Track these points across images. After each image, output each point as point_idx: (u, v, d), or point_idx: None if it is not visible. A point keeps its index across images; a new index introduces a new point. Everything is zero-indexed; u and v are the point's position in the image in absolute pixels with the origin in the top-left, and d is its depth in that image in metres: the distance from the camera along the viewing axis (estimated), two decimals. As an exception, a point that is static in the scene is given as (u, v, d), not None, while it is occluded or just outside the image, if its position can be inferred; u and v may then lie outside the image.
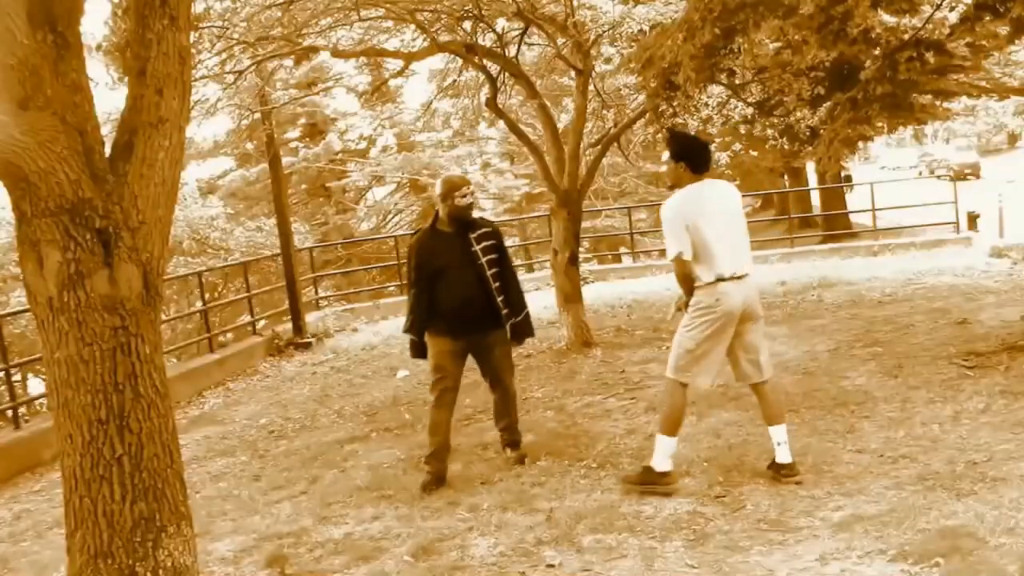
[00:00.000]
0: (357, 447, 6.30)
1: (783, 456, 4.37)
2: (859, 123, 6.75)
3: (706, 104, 9.57)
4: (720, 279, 4.22)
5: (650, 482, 4.38)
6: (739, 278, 4.26)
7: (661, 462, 4.39)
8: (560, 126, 10.51)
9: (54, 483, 6.45)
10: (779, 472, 4.36)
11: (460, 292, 4.82)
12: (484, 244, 4.89)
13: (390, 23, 9.28)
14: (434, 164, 25.09)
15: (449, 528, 4.27)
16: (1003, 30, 6.33)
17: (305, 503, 5.11)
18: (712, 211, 4.26)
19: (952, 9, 6.74)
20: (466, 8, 8.45)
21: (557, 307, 9.17)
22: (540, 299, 12.83)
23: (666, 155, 4.41)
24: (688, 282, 4.33)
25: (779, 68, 7.89)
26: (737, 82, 8.51)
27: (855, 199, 21.80)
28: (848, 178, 22.79)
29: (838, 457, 4.57)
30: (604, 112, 10.64)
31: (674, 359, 4.38)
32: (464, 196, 4.79)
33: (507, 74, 9.32)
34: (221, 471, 6.33)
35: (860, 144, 8.04)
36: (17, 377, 16.39)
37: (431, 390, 5.07)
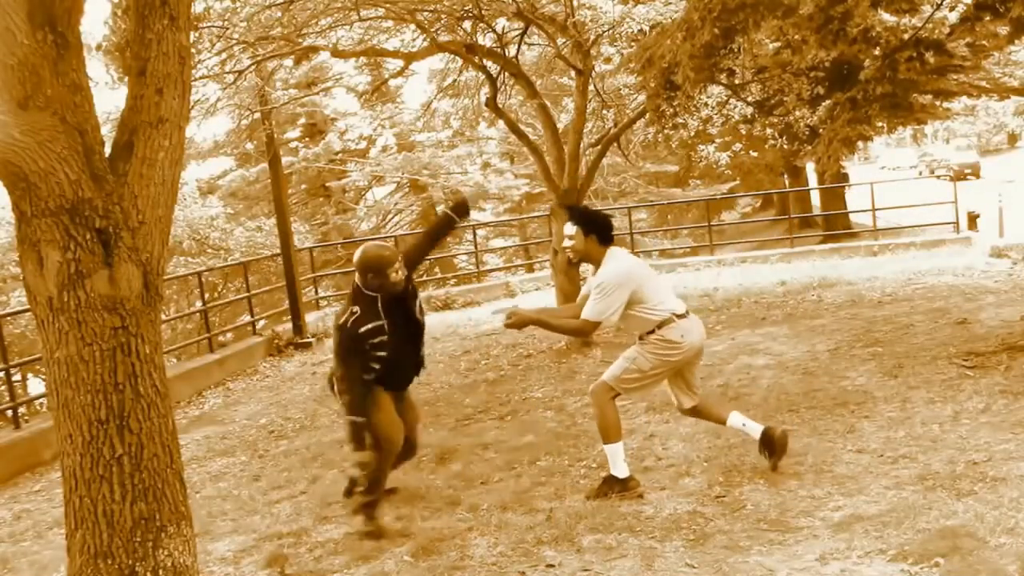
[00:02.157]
0: (357, 447, 6.29)
1: (755, 429, 4.55)
2: (859, 123, 6.74)
3: (706, 104, 9.57)
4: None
5: (617, 491, 4.40)
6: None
7: (621, 469, 4.43)
8: (560, 126, 10.51)
9: (54, 483, 6.45)
10: (770, 445, 4.47)
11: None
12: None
13: (390, 23, 9.28)
14: (434, 164, 25.11)
15: (449, 528, 4.27)
16: (1003, 30, 6.34)
17: (305, 503, 5.11)
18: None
19: (952, 9, 6.74)
20: (466, 8, 8.45)
21: (557, 307, 9.16)
22: (540, 299, 12.83)
23: (574, 228, 4.53)
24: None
25: (779, 68, 7.89)
26: (737, 82, 8.51)
27: (855, 199, 21.79)
28: (845, 176, 22.77)
29: (838, 457, 4.57)
30: (604, 112, 10.64)
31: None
32: (398, 271, 4.30)
33: (507, 74, 9.32)
34: (221, 471, 6.33)
35: (860, 144, 8.03)
36: (17, 377, 16.39)
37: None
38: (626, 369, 4.46)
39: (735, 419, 4.62)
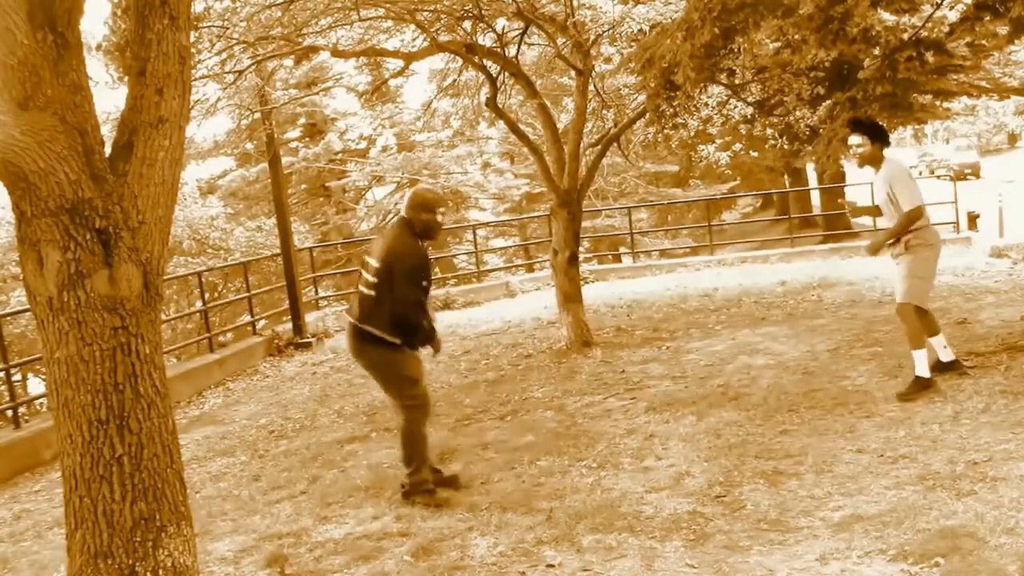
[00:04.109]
0: (357, 447, 6.30)
1: (946, 354, 5.70)
2: (859, 123, 6.74)
3: (706, 104, 9.57)
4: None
5: (923, 387, 5.40)
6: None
7: (924, 371, 5.46)
8: (560, 126, 10.51)
9: (54, 483, 6.45)
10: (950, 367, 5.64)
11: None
12: None
13: (390, 23, 9.27)
14: (434, 164, 25.11)
15: (449, 528, 4.27)
16: (1003, 30, 6.33)
17: (305, 503, 5.11)
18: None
19: (952, 8, 6.74)
20: (466, 8, 8.44)
21: (557, 307, 9.17)
22: (540, 299, 12.84)
23: (860, 138, 5.45)
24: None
25: (779, 68, 7.89)
26: (737, 82, 8.51)
27: (855, 199, 21.78)
28: (842, 175, 22.80)
29: (838, 457, 4.57)
30: (604, 112, 10.63)
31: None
32: (444, 215, 4.62)
33: (507, 74, 9.32)
34: (221, 471, 6.33)
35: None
36: (17, 377, 16.40)
37: (422, 402, 4.79)
38: (912, 284, 5.36)
39: (938, 340, 5.66)
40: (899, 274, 5.48)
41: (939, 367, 5.64)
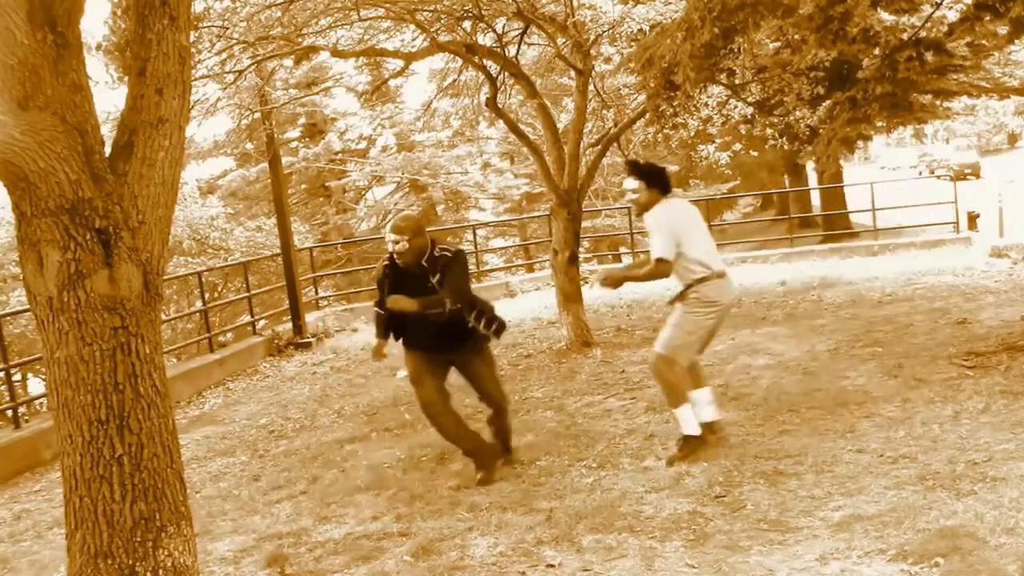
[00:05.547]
0: (357, 447, 6.30)
1: (693, 423, 4.87)
2: (859, 123, 6.74)
3: (706, 104, 9.57)
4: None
5: (693, 448, 4.81)
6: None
7: (692, 428, 4.83)
8: (560, 126, 10.51)
9: (54, 483, 6.45)
10: (693, 448, 4.82)
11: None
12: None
13: (390, 23, 9.27)
14: (434, 164, 25.11)
15: (449, 528, 4.27)
16: (1003, 30, 6.33)
17: (305, 503, 5.11)
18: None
19: (952, 8, 6.74)
20: (466, 8, 8.44)
21: (557, 307, 9.17)
22: (540, 299, 12.84)
23: (637, 183, 4.92)
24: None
25: (779, 68, 7.88)
26: (737, 82, 8.50)
27: (855, 199, 21.79)
28: (839, 175, 22.85)
29: (838, 457, 4.57)
30: (604, 112, 10.64)
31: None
32: (396, 243, 4.76)
33: (507, 74, 9.32)
34: (221, 471, 6.33)
35: (860, 144, 8.03)
36: (17, 377, 16.40)
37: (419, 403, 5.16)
38: (672, 335, 4.80)
39: (702, 395, 4.97)
40: (668, 320, 4.90)
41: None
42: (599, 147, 9.73)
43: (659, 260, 4.68)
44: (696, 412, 4.89)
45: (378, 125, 27.11)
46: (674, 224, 4.74)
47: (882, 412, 5.28)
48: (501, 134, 25.51)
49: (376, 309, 5.08)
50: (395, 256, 4.79)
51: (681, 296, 4.82)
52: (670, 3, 8.41)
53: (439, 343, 4.92)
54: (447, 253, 4.83)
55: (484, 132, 26.59)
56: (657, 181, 4.88)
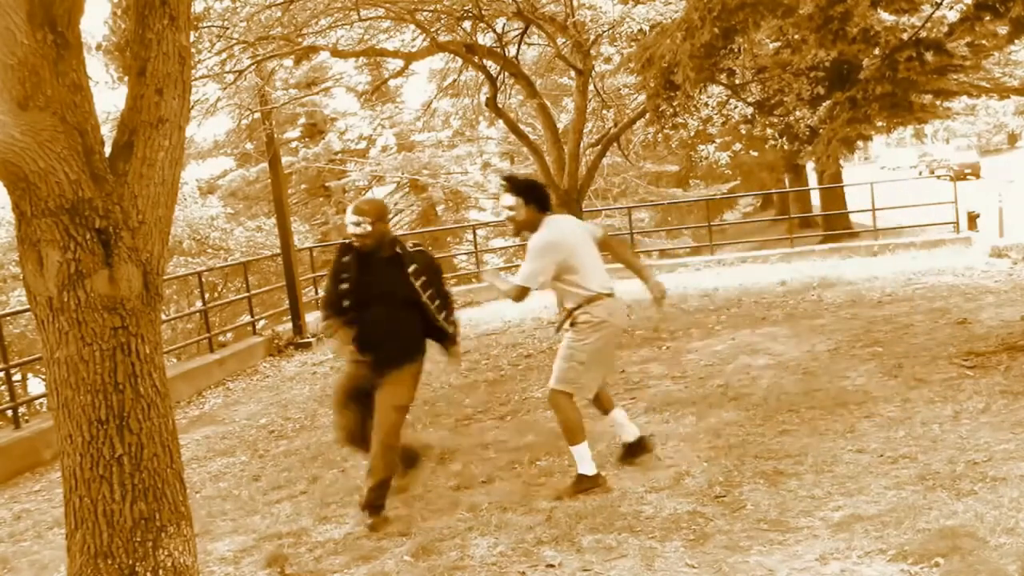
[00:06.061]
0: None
1: (631, 433, 4.85)
2: (859, 122, 6.74)
3: (706, 104, 9.58)
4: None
5: (585, 488, 4.51)
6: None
7: (588, 467, 4.57)
8: (560, 126, 10.51)
9: (54, 483, 6.45)
10: (635, 452, 4.83)
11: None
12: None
13: (390, 23, 9.28)
14: (434, 164, 25.10)
15: (449, 528, 4.27)
16: (1003, 30, 6.33)
17: (305, 503, 5.11)
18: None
19: (952, 8, 6.74)
20: (466, 8, 8.45)
21: (557, 307, 9.16)
22: (540, 299, 12.83)
23: (513, 199, 4.62)
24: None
25: (779, 68, 7.89)
26: (737, 82, 8.51)
27: (855, 199, 21.80)
28: (841, 175, 22.86)
29: (838, 457, 4.57)
30: (604, 112, 10.64)
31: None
32: (357, 224, 4.47)
33: (507, 74, 9.33)
34: (221, 471, 6.33)
35: (860, 144, 8.04)
36: (17, 377, 16.40)
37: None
38: (564, 368, 4.56)
39: (618, 415, 4.88)
40: (559, 352, 4.65)
41: (628, 451, 4.86)
42: (599, 147, 9.75)
43: (520, 287, 4.47)
44: (620, 434, 4.88)
45: (378, 125, 27.12)
46: (555, 250, 4.46)
47: (882, 412, 5.28)
48: (501, 134, 25.50)
49: (334, 303, 4.68)
50: (355, 240, 4.48)
51: (570, 318, 4.56)
52: (670, 3, 8.41)
53: (388, 347, 4.59)
54: (420, 248, 4.68)
55: (484, 132, 26.58)
56: (535, 198, 4.58)
